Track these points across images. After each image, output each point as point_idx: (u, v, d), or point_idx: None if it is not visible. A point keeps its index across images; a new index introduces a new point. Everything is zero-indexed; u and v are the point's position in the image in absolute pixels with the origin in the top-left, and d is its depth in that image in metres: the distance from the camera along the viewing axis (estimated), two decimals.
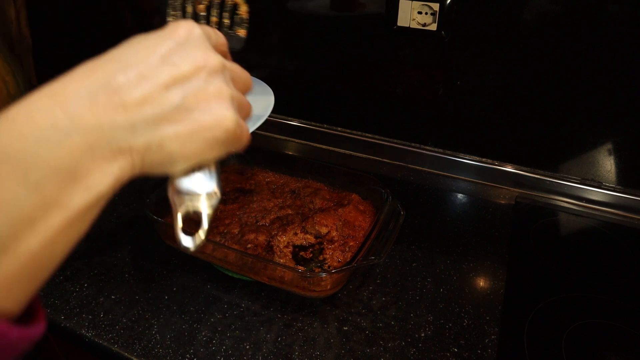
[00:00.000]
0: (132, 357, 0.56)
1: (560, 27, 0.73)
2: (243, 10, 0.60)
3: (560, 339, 0.58)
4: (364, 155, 0.98)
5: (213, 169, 0.32)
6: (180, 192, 0.31)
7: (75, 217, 0.23)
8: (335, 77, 0.94)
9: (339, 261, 0.65)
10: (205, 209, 0.32)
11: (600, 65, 0.74)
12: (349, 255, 0.66)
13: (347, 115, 0.97)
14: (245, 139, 0.32)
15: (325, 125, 1.00)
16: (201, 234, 0.32)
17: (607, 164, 0.81)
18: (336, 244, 0.67)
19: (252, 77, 0.84)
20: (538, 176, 0.86)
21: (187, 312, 0.62)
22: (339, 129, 0.99)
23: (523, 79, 0.80)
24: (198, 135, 0.27)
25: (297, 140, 1.03)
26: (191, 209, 0.32)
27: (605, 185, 0.82)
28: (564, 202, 0.85)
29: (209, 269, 0.68)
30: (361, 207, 0.74)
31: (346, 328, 0.60)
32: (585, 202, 0.84)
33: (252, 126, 0.64)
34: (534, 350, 0.57)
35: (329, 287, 0.60)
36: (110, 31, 1.12)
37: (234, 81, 0.32)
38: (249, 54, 0.99)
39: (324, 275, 0.58)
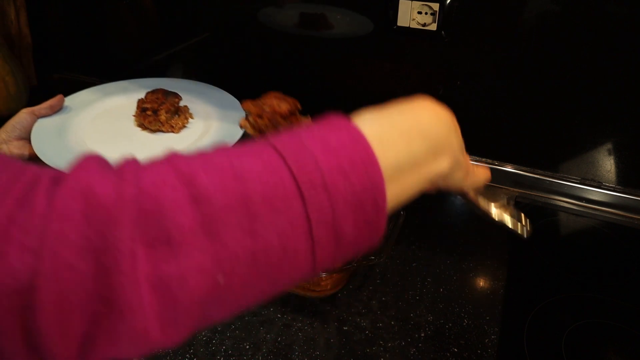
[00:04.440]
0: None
1: (560, 27, 0.73)
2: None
3: (560, 339, 0.58)
4: None
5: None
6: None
7: (421, 178, 0.33)
8: (335, 77, 0.94)
9: None
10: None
11: (600, 65, 0.74)
12: None
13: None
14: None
15: None
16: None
17: (607, 164, 0.81)
18: None
19: (228, 94, 0.85)
20: (538, 176, 0.86)
21: None
22: None
23: (523, 79, 0.80)
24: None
25: None
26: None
27: (605, 185, 0.82)
28: (564, 202, 0.85)
29: None
30: None
31: (346, 328, 0.60)
32: (585, 202, 0.84)
33: (234, 137, 0.69)
34: (534, 350, 0.57)
35: (329, 287, 0.60)
36: (111, 31, 1.12)
37: None
38: (251, 55, 0.99)
39: (324, 275, 0.58)
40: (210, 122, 0.75)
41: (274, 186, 0.25)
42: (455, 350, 0.57)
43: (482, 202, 0.41)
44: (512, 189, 0.88)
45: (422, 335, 0.59)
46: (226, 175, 0.25)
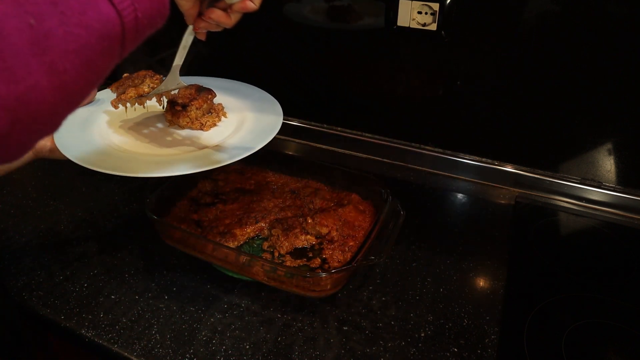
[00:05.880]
0: (132, 357, 0.56)
1: (560, 27, 0.73)
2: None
3: (560, 339, 0.58)
4: (364, 155, 0.98)
5: None
6: None
7: None
8: (335, 77, 0.94)
9: (339, 261, 0.65)
10: None
11: (600, 65, 0.74)
12: (349, 255, 0.66)
13: (347, 115, 0.97)
14: None
15: (325, 125, 1.00)
16: None
17: (607, 164, 0.81)
18: (336, 244, 0.67)
19: (268, 95, 0.82)
20: (538, 176, 0.86)
21: (187, 312, 0.62)
22: (339, 129, 0.99)
23: (523, 79, 0.80)
24: None
25: (297, 140, 1.03)
26: None
27: (605, 185, 0.82)
28: (564, 202, 0.85)
29: (209, 269, 0.68)
30: (361, 207, 0.74)
31: (346, 328, 0.60)
32: (585, 202, 0.84)
33: (260, 143, 0.65)
34: (534, 350, 0.57)
35: (329, 287, 0.60)
36: None
37: None
38: (250, 55, 0.99)
39: (324, 275, 0.58)
40: (243, 122, 0.72)
41: None
42: (455, 350, 0.57)
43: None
44: (512, 188, 0.88)
45: (422, 335, 0.59)
46: None
